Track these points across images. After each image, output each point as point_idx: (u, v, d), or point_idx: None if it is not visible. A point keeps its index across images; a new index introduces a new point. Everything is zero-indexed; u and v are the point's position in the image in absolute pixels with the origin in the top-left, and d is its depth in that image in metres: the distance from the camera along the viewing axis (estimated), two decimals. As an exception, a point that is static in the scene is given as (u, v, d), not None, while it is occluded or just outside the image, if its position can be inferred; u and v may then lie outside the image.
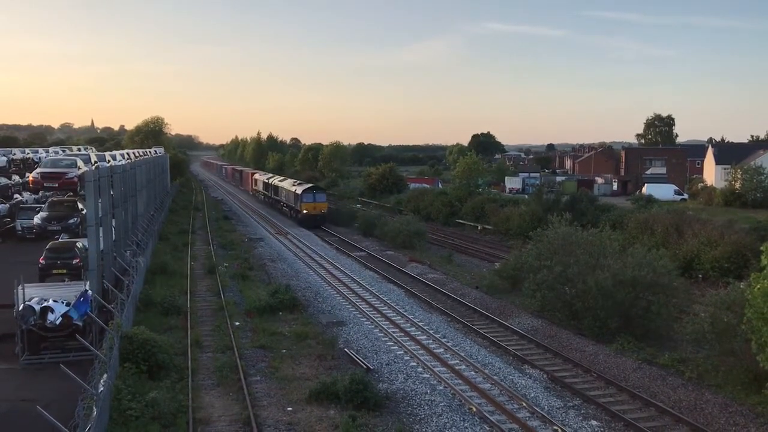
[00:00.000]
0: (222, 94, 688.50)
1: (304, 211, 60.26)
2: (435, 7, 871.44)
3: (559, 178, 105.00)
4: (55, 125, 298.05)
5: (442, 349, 24.53)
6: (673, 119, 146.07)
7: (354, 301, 32.03)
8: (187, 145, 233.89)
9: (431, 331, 26.76)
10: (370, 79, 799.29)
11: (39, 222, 31.85)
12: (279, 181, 76.08)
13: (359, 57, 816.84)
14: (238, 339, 25.02)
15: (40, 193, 36.54)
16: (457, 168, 72.26)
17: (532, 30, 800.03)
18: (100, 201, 23.73)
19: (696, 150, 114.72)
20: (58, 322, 18.74)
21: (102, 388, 14.74)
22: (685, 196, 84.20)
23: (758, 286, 17.86)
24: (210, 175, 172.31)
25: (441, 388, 20.77)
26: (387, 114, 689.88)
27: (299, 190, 62.54)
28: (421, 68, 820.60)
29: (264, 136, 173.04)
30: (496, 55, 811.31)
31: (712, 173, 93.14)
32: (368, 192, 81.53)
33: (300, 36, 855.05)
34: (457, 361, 23.20)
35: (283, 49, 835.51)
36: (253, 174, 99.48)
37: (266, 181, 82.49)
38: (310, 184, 66.27)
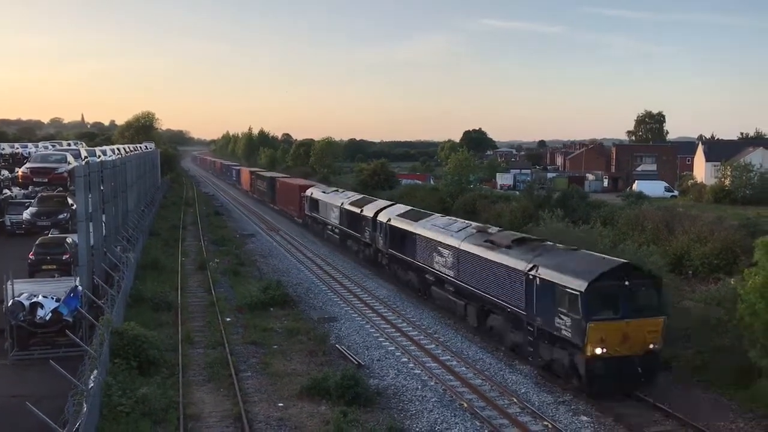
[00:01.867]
0: (213, 90, 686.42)
1: (600, 351, 18.75)
2: (428, 3, 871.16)
3: (550, 175, 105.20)
4: (45, 120, 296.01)
5: (433, 345, 24.57)
6: (663, 116, 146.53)
7: (346, 297, 32.02)
8: (178, 140, 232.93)
9: (422, 327, 26.79)
10: (363, 75, 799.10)
11: (28, 217, 31.70)
12: (415, 222, 31.92)
13: (351, 53, 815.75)
14: (229, 335, 24.97)
15: (30, 189, 36.33)
16: (448, 164, 72.34)
17: (523, 26, 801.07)
18: (90, 196, 23.60)
19: (686, 147, 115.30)
20: (47, 318, 18.67)
21: (92, 384, 14.68)
22: (676, 192, 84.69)
23: (750, 282, 17.98)
24: (206, 174, 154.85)
25: (432, 383, 20.81)
26: (379, 110, 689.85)
27: (579, 283, 19.03)
28: (414, 64, 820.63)
29: (255, 131, 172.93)
30: (488, 51, 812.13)
31: (702, 170, 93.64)
32: (360, 188, 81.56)
33: (292, 32, 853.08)
34: (448, 357, 23.23)
35: (274, 44, 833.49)
36: (303, 189, 56.55)
37: (353, 209, 41.10)
38: (629, 260, 21.54)
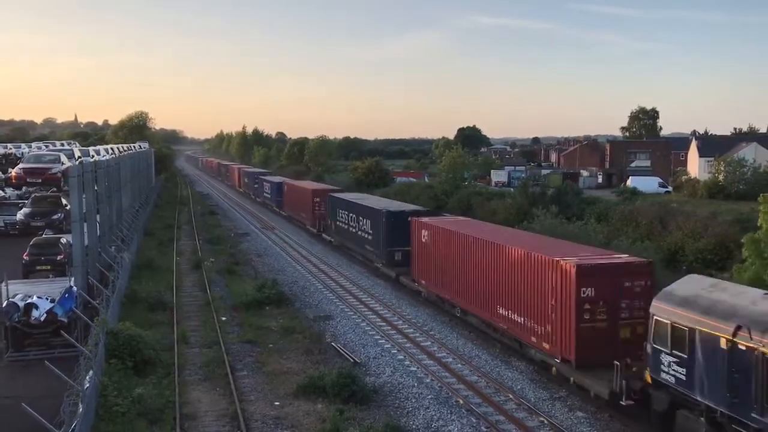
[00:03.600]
0: (207, 88, 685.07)
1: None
2: (420, 0, 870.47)
3: (544, 171, 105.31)
4: (38, 120, 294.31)
5: (429, 342, 24.60)
6: (657, 112, 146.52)
7: (341, 295, 32.03)
8: (172, 139, 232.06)
9: (418, 325, 26.82)
10: (357, 73, 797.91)
11: (22, 218, 31.57)
12: None
13: (345, 50, 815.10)
14: (225, 334, 24.96)
15: (23, 189, 36.14)
16: (443, 161, 72.48)
17: (518, 23, 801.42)
18: (84, 196, 23.54)
19: (680, 143, 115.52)
20: (42, 319, 18.59)
21: (88, 385, 14.66)
22: (669, 188, 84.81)
23: (740, 279, 18.07)
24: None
25: (428, 380, 20.84)
26: (373, 108, 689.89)
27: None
28: (408, 62, 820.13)
29: (249, 130, 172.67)
30: (482, 48, 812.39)
31: (695, 166, 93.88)
32: (355, 186, 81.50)
33: (286, 30, 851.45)
34: (445, 354, 23.27)
35: (269, 43, 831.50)
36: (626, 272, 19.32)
37: None
38: None
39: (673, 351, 15.27)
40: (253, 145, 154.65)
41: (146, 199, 59.82)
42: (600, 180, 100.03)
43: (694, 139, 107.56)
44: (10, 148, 54.46)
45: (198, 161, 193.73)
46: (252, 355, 22.92)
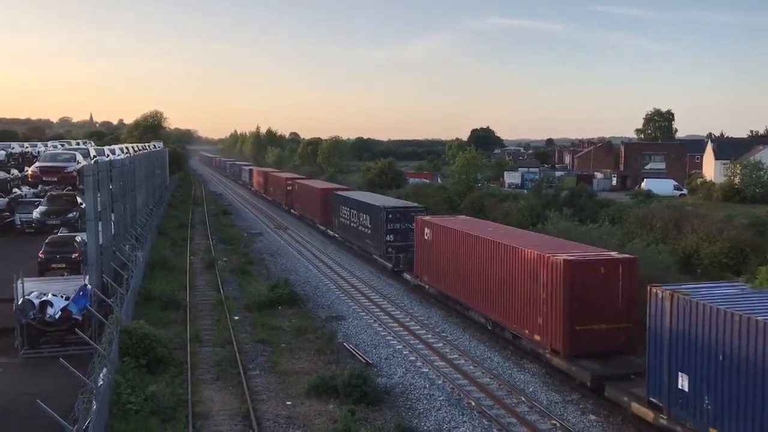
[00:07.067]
0: (221, 89, 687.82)
1: None
2: (435, 2, 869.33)
3: (558, 173, 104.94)
4: (54, 119, 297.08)
5: (441, 344, 24.57)
6: (672, 114, 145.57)
7: (353, 295, 32.06)
8: (186, 139, 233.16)
9: (430, 326, 26.79)
10: (370, 74, 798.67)
11: (38, 216, 31.84)
12: None
13: (359, 51, 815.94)
14: (238, 333, 25.05)
15: (39, 188, 36.47)
16: (456, 163, 72.35)
17: (531, 24, 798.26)
18: (99, 195, 23.70)
19: (695, 145, 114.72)
20: (57, 317, 18.75)
21: (101, 382, 14.75)
22: (684, 191, 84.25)
23: (758, 281, 17.90)
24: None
25: (440, 382, 20.81)
26: (386, 108, 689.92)
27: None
28: (421, 63, 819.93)
29: (263, 130, 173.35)
30: (495, 49, 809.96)
31: (711, 168, 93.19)
32: (367, 187, 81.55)
33: (300, 30, 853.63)
34: (456, 356, 23.23)
35: (283, 43, 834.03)
36: None
37: None
38: None
39: None
40: (266, 145, 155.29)
41: (160, 199, 60.16)
42: (614, 182, 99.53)
43: (709, 142, 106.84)
44: (27, 147, 55.05)
45: (240, 172, 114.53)
46: (264, 354, 22.99)
